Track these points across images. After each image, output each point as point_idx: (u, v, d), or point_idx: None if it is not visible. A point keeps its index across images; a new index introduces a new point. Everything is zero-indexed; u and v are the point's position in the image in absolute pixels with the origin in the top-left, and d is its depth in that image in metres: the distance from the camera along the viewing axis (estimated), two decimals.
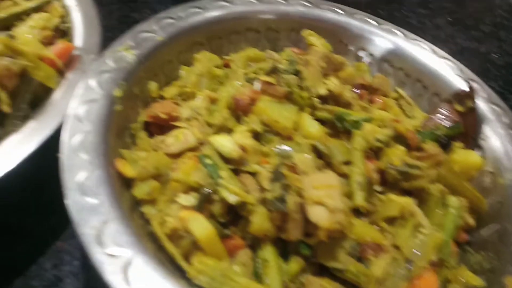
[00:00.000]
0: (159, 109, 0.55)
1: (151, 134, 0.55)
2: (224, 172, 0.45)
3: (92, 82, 0.51)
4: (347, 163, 0.51)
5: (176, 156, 0.51)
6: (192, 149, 0.52)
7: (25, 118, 0.48)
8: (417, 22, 1.08)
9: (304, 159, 0.48)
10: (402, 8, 1.11)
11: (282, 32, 0.71)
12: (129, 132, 0.53)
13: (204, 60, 0.64)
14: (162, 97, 0.59)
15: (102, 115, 0.48)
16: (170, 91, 0.59)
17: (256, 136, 0.52)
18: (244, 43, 0.70)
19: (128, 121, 0.53)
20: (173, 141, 0.52)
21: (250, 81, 0.59)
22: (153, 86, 0.58)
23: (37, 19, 0.55)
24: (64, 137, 0.45)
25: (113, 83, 0.52)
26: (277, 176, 0.45)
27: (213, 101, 0.56)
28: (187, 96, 0.59)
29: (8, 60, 0.47)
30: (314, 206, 0.42)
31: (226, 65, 0.66)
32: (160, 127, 0.56)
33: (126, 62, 0.54)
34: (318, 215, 0.41)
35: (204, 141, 0.52)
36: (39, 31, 0.53)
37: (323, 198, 0.42)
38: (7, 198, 0.43)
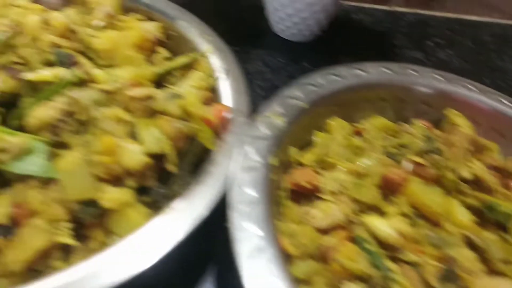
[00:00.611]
0: (301, 177, 0.55)
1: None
2: (391, 263, 0.44)
3: (250, 149, 0.51)
4: (505, 261, 0.48)
5: (323, 231, 0.51)
6: (340, 227, 0.51)
7: (186, 180, 0.49)
8: None
9: (469, 255, 0.46)
10: (505, 77, 1.08)
11: (410, 103, 0.71)
12: (275, 200, 0.53)
13: (338, 127, 0.64)
14: (299, 163, 0.59)
15: (263, 184, 0.48)
16: (308, 157, 0.59)
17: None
18: (371, 111, 0.69)
19: (276, 188, 0.53)
20: (319, 214, 0.51)
21: (391, 156, 0.58)
22: (293, 151, 0.58)
23: (196, 78, 0.56)
24: (231, 207, 0.45)
25: (268, 151, 0.52)
26: (449, 275, 0.43)
27: (357, 175, 0.55)
28: (326, 165, 0.58)
29: (181, 123, 0.48)
30: None
31: (357, 133, 0.65)
32: (298, 194, 0.56)
33: (277, 129, 0.55)
34: None
35: (352, 218, 0.51)
36: (200, 91, 0.54)
37: None
38: (162, 266, 0.42)
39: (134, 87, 0.51)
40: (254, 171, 0.49)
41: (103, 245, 0.46)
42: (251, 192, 0.47)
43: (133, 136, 0.48)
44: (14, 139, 0.43)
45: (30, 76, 0.49)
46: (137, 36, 0.59)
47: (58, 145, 0.47)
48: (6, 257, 0.40)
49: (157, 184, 0.49)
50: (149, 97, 0.48)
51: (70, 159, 0.43)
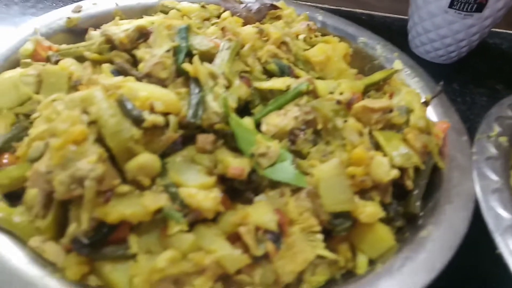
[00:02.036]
0: None
1: None
2: None
3: (486, 169, 0.48)
4: None
5: None
6: None
7: (419, 198, 0.46)
8: None
9: None
10: None
11: None
12: None
13: None
14: None
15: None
16: None
17: None
18: None
19: None
20: None
21: None
22: None
23: (410, 93, 0.54)
24: (496, 232, 0.41)
25: (503, 171, 0.48)
26: None
27: None
28: None
29: (425, 137, 0.45)
30: None
31: None
32: None
33: (503, 149, 0.51)
34: None
35: None
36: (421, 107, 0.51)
37: None
38: None
39: (361, 99, 0.50)
40: (499, 192, 0.46)
41: (347, 261, 0.43)
42: (506, 216, 0.43)
43: (374, 148, 0.46)
44: (271, 144, 0.42)
45: (264, 84, 0.49)
46: (343, 50, 0.58)
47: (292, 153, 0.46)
48: (277, 267, 0.38)
49: (394, 201, 0.46)
50: (390, 109, 0.46)
51: (328, 168, 0.42)
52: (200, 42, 0.50)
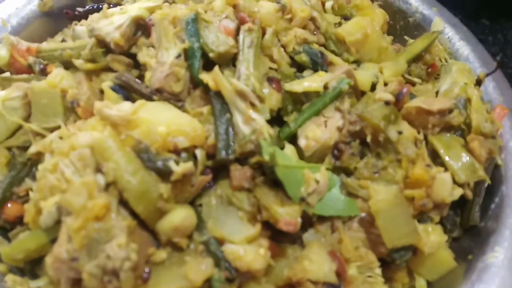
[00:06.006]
0: None
1: None
2: None
3: None
4: None
5: None
6: None
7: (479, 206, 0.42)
8: None
9: None
10: None
11: None
12: None
13: None
14: None
15: None
16: None
17: None
18: None
19: None
20: None
21: None
22: None
23: (460, 70, 0.46)
24: None
25: None
26: None
27: None
28: None
29: (491, 142, 0.39)
30: None
31: None
32: None
33: None
34: None
35: None
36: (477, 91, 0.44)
37: None
38: None
39: (403, 90, 0.43)
40: None
41: (404, 286, 0.40)
42: None
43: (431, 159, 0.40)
44: (319, 177, 0.36)
45: (297, 87, 0.41)
46: (381, 19, 0.48)
47: (336, 170, 0.40)
48: None
49: (449, 212, 0.41)
50: (450, 110, 0.40)
51: (386, 198, 0.36)
52: (215, 40, 0.40)
